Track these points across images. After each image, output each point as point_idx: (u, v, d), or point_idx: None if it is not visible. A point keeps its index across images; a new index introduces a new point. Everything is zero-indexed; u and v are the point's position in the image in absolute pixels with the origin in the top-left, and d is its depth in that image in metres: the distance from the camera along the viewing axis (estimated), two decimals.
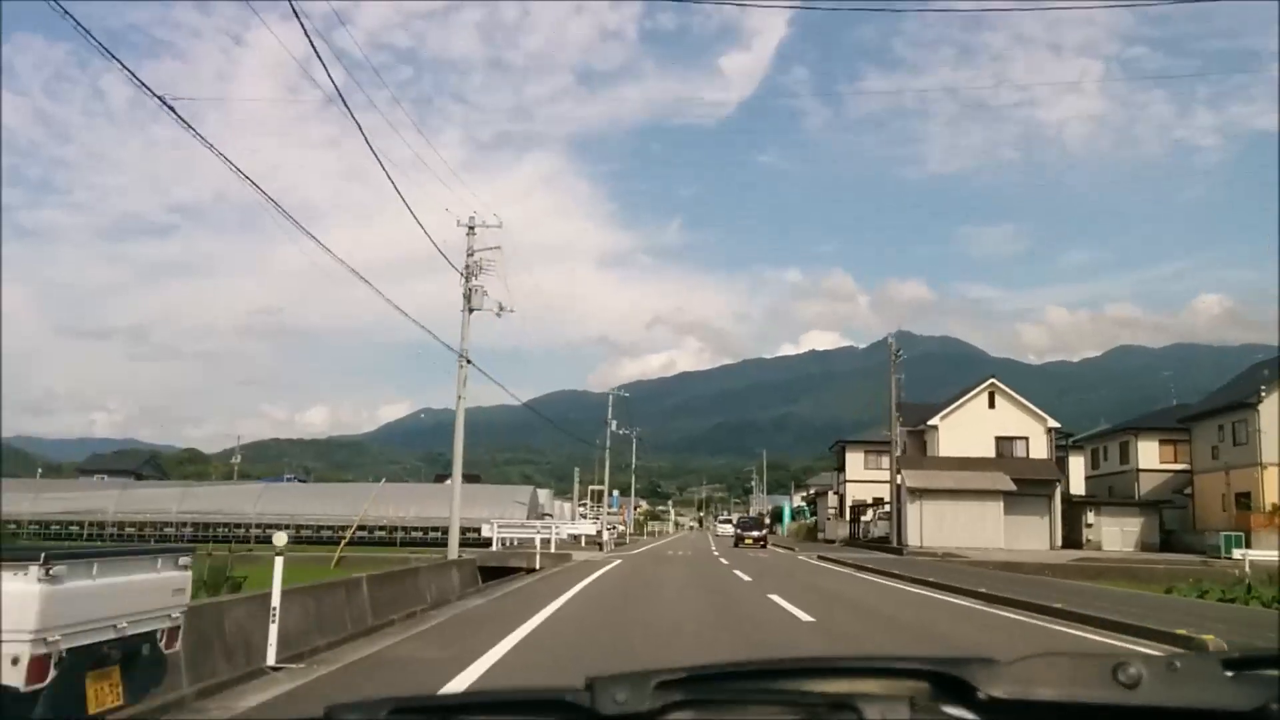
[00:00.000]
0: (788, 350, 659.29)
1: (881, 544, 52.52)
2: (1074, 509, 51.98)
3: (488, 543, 36.80)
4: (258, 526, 50.89)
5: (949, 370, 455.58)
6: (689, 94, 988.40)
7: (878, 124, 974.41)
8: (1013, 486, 49.13)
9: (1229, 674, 1.22)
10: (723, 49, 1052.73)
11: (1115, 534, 50.96)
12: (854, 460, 67.25)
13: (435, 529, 48.50)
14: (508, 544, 37.66)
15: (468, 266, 32.06)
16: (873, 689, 1.22)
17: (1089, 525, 51.74)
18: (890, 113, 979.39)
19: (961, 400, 55.64)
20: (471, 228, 32.34)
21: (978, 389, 55.60)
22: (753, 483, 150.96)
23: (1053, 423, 55.05)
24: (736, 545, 48.51)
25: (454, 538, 32.20)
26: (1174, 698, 1.18)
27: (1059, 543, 50.46)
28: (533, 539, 35.29)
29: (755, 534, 51.02)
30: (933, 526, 49.07)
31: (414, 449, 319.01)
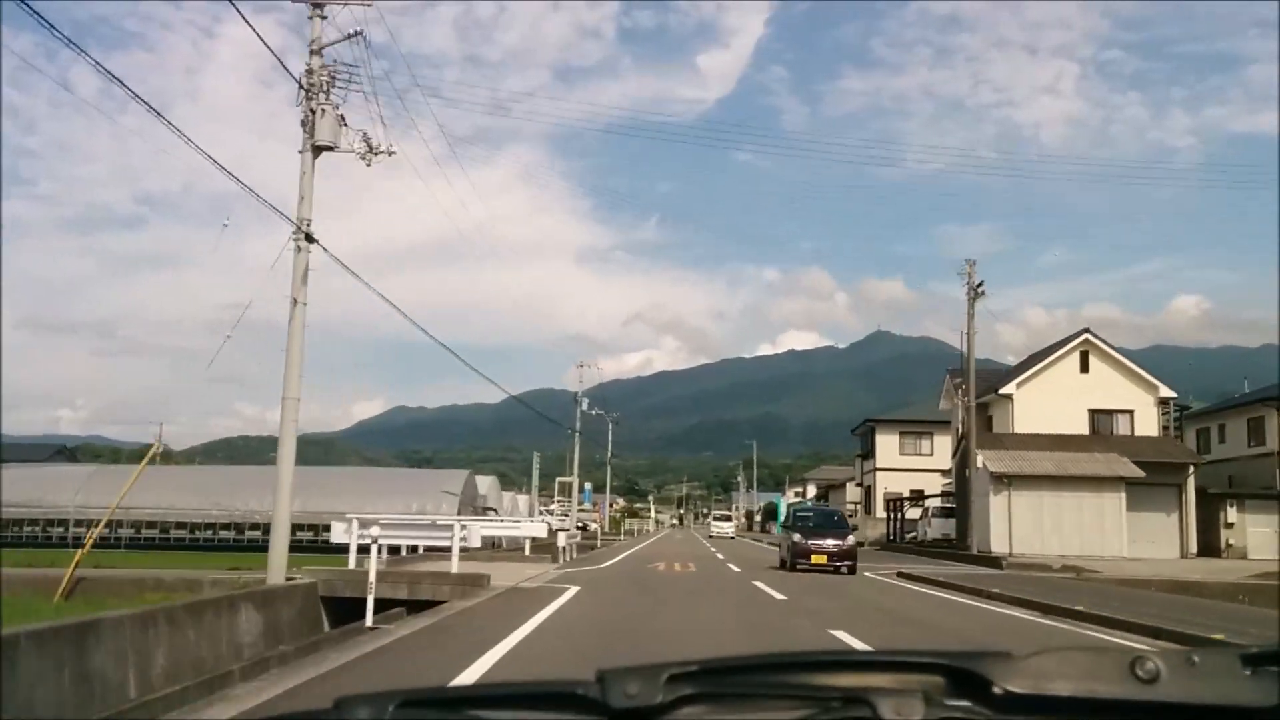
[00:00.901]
0: (766, 350, 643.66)
1: (947, 549, 37.46)
2: (1209, 504, 37.17)
3: (394, 549, 21.41)
4: (78, 524, 35.30)
5: (928, 371, 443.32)
6: (667, 92, 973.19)
7: (856, 123, 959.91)
8: (1139, 472, 34.26)
9: (1248, 670, 1.16)
10: (701, 47, 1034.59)
11: (1265, 537, 36.19)
12: (886, 444, 52.22)
13: (325, 526, 33.10)
14: (401, 553, 22.43)
15: (309, 72, 16.81)
16: (886, 683, 1.17)
17: (1229, 525, 36.99)
18: (869, 112, 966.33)
19: (1045, 362, 40.67)
20: (318, 3, 17.03)
21: (1067, 346, 40.67)
22: (738, 478, 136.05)
23: (1166, 391, 40.27)
24: (792, 566, 24.70)
25: (277, 548, 16.85)
26: (1192, 693, 1.13)
27: (1193, 548, 35.79)
28: (447, 546, 19.92)
29: (834, 544, 24.85)
30: (1026, 526, 34.14)
31: (387, 446, 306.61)
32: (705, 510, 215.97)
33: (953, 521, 40.54)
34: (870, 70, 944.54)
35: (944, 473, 48.97)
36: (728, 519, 68.36)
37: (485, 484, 42.10)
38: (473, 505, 38.59)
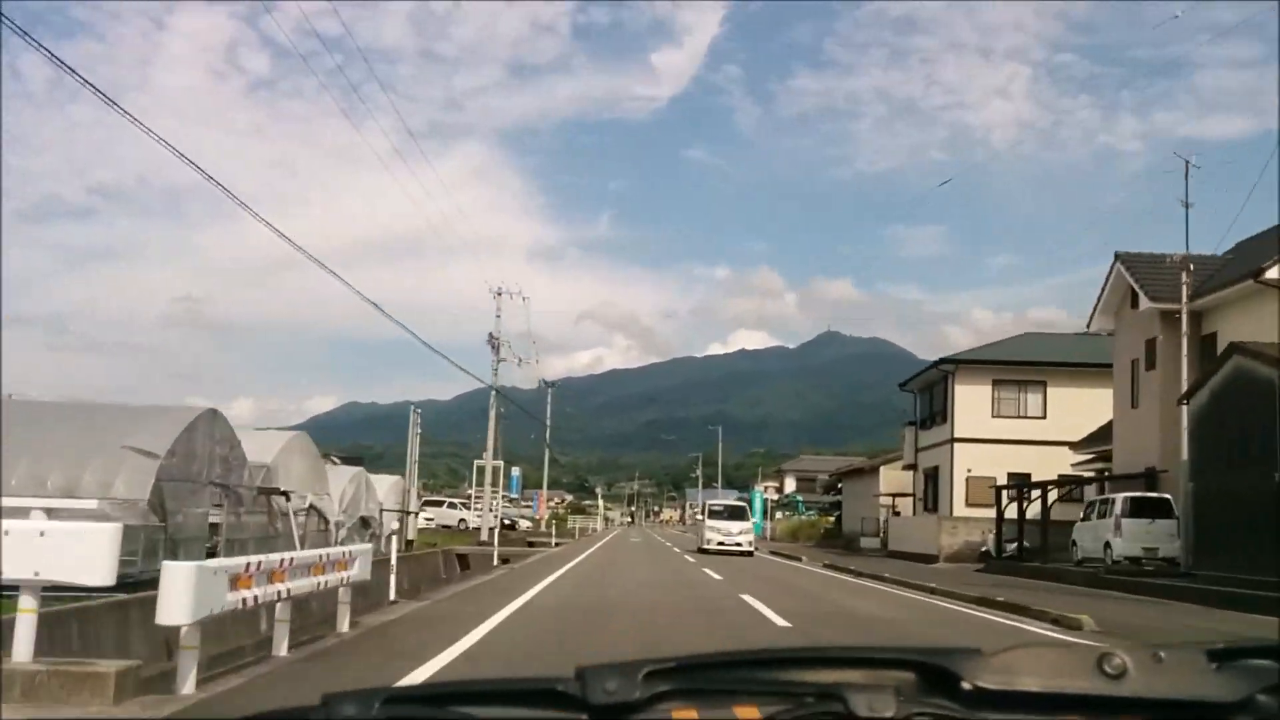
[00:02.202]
0: (717, 349, 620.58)
1: (1194, 585, 17.09)
2: None
3: None
4: None
5: (878, 371, 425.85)
6: (621, 89, 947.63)
7: (808, 123, 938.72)
8: None
9: (1213, 665, 1.14)
10: (655, 44, 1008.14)
11: None
12: (972, 399, 31.77)
13: None
14: None
15: None
16: (859, 679, 1.14)
17: None
18: (821, 112, 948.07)
19: None
20: None
21: None
22: (696, 471, 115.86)
23: None
24: None
25: None
26: (1159, 689, 1.11)
27: None
28: None
29: None
30: None
31: (338, 441, 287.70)
32: (657, 508, 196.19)
33: (1168, 526, 20.44)
34: (823, 70, 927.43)
35: (1077, 445, 28.87)
36: (741, 514, 33.00)
37: (274, 445, 21.04)
38: (221, 480, 17.67)
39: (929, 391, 34.45)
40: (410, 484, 31.62)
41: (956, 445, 31.49)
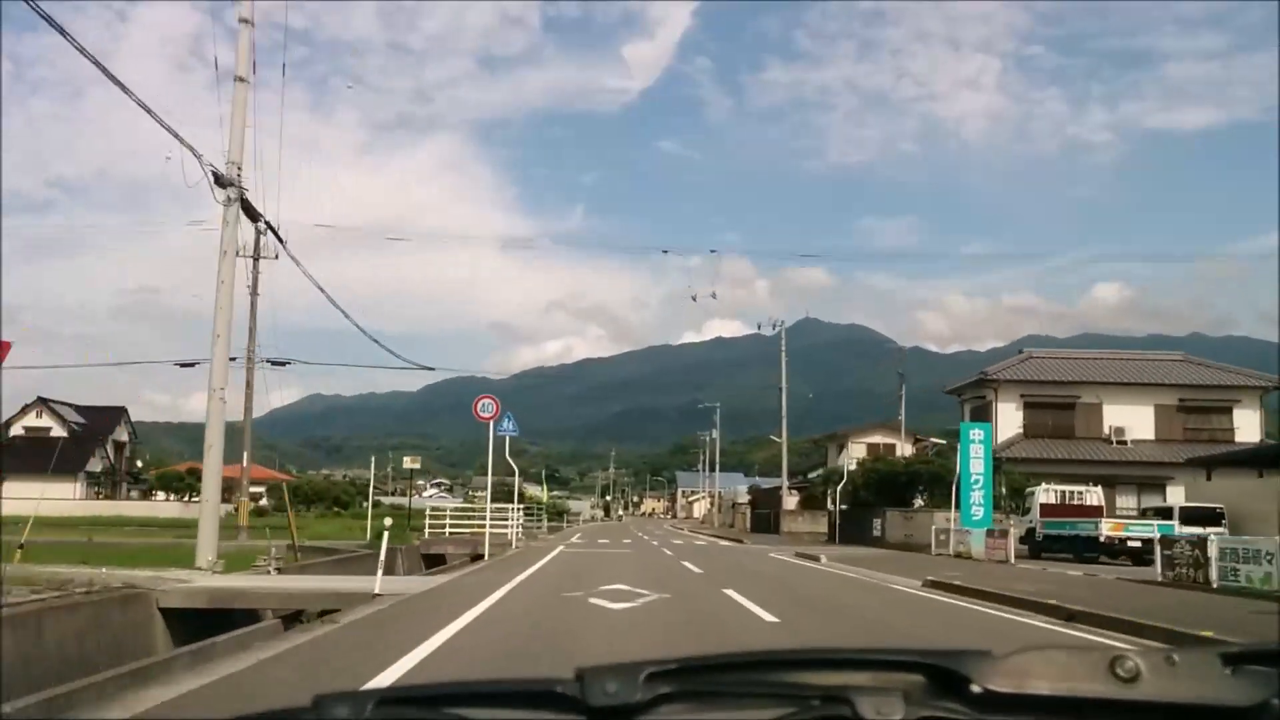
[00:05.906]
0: (691, 338, 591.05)
1: None
2: None
3: None
4: None
5: (859, 357, 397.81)
6: (592, 82, 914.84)
7: (779, 115, 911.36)
8: None
9: (1228, 669, 1.10)
10: (626, 36, 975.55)
11: None
12: None
13: None
14: None
15: None
16: (866, 682, 1.11)
17: None
18: (792, 104, 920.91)
19: None
20: None
21: None
22: (706, 435, 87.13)
23: None
24: None
25: None
26: (1173, 693, 1.07)
27: None
28: None
29: None
30: None
31: (299, 433, 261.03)
32: (636, 499, 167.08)
33: None
34: (794, 62, 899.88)
35: None
36: None
37: None
38: None
39: None
40: None
41: None
